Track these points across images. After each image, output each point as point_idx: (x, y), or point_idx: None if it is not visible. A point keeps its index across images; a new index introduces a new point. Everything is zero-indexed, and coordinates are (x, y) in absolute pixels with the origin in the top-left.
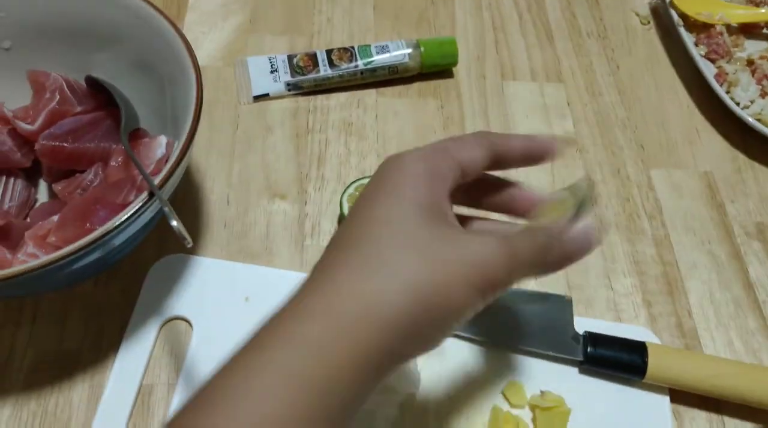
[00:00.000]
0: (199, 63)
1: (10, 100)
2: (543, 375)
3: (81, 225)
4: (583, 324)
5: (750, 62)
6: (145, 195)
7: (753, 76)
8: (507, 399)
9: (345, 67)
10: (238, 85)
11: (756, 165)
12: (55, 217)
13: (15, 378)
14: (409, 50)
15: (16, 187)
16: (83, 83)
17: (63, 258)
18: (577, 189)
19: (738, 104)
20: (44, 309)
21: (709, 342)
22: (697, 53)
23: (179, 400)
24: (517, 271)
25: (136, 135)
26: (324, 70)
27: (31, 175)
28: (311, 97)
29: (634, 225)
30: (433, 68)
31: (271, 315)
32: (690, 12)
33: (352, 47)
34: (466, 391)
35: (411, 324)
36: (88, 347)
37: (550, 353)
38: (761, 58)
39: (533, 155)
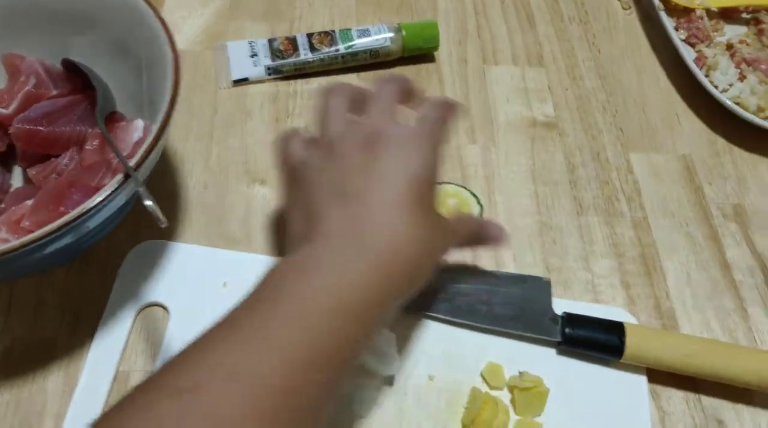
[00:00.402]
0: (179, 47)
1: None
2: (521, 357)
3: (55, 209)
4: (561, 305)
5: (729, 46)
6: (120, 177)
7: (732, 59)
8: (486, 380)
9: (326, 51)
10: (218, 69)
11: (734, 148)
12: (29, 202)
13: None
14: (391, 34)
15: None
16: (60, 66)
17: (35, 241)
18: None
19: (717, 88)
20: (18, 297)
21: (686, 322)
22: (677, 37)
23: None
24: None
25: (112, 118)
26: (304, 54)
27: (5, 160)
28: (291, 82)
29: (612, 208)
30: (415, 52)
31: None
32: None
33: (333, 31)
34: (444, 373)
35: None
36: (63, 334)
37: (529, 334)
38: (740, 42)
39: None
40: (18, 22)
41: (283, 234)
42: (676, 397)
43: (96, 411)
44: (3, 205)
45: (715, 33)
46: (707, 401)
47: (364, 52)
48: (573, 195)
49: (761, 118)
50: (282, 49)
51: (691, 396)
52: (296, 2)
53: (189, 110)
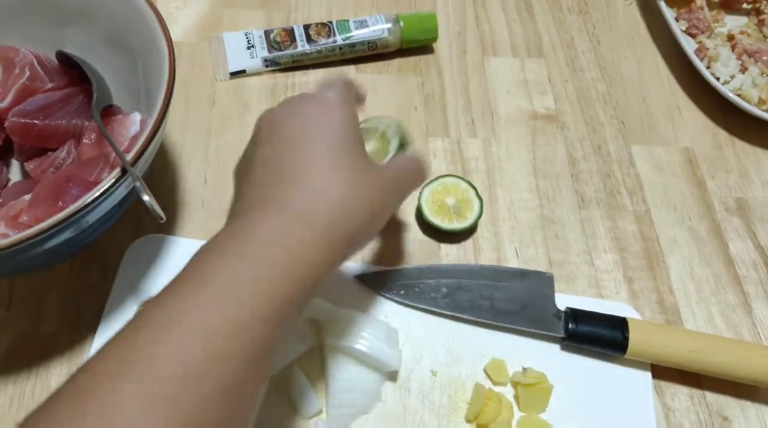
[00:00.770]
0: (174, 39)
1: None
2: (525, 352)
3: (53, 204)
4: (564, 300)
5: (730, 37)
6: (117, 171)
7: (733, 51)
8: (489, 376)
9: (323, 42)
10: (214, 61)
11: (736, 140)
12: (28, 197)
13: None
14: (389, 25)
15: None
16: (54, 59)
17: (34, 236)
18: (394, 126)
19: (718, 79)
20: (20, 293)
21: (690, 317)
22: (677, 28)
23: None
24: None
25: (109, 112)
26: (302, 46)
27: (3, 154)
28: (289, 74)
29: (614, 201)
30: (413, 44)
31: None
32: None
33: (331, 22)
34: (448, 369)
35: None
36: (65, 330)
37: (532, 330)
38: (741, 33)
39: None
40: (11, 14)
41: None
42: (680, 393)
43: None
44: (1, 200)
45: (716, 24)
46: (712, 397)
47: (362, 43)
48: (575, 188)
49: (763, 110)
50: (279, 40)
51: (696, 392)
52: None
53: (186, 103)
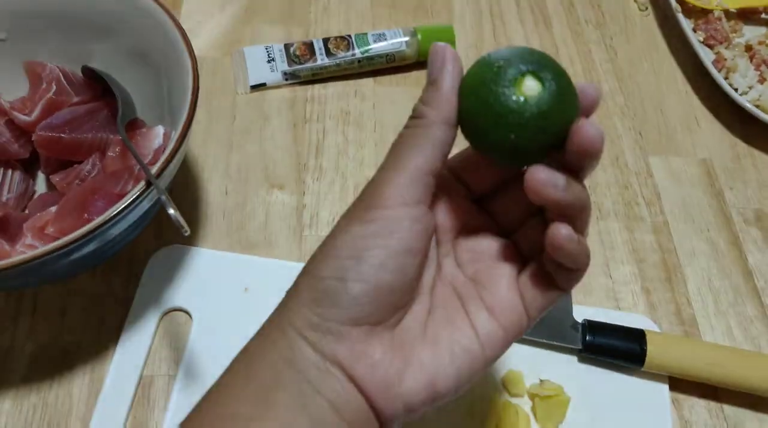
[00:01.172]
0: (196, 53)
1: (7, 91)
2: (542, 364)
3: (79, 216)
4: (581, 312)
5: (748, 48)
6: (142, 184)
7: (751, 61)
8: (506, 388)
9: (342, 55)
10: (235, 74)
11: (755, 151)
12: (53, 208)
13: (15, 371)
14: (407, 38)
15: (14, 178)
16: (80, 74)
17: (61, 248)
18: None
19: (736, 90)
20: (44, 302)
21: (708, 329)
22: (695, 39)
23: (179, 391)
24: None
25: (133, 125)
26: (321, 59)
27: (29, 166)
28: (308, 87)
29: (632, 212)
30: None
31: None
32: None
33: (349, 36)
34: None
35: None
36: (87, 339)
37: (549, 341)
38: (760, 43)
39: None
40: (39, 31)
41: (299, 239)
42: (698, 406)
43: (121, 414)
44: (27, 211)
45: (734, 34)
46: (730, 410)
47: (380, 56)
48: (592, 200)
49: None
50: (299, 54)
51: (714, 405)
52: (311, 5)
53: (208, 116)
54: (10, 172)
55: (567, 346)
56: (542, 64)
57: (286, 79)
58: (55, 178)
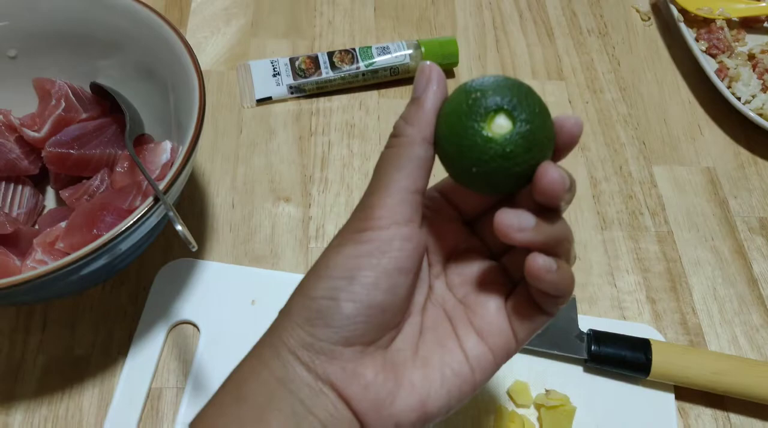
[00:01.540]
0: (203, 67)
1: (17, 108)
2: (548, 374)
3: (88, 231)
4: (587, 322)
5: (751, 56)
6: (150, 200)
7: (754, 70)
8: (512, 398)
9: (346, 68)
10: (241, 88)
11: (759, 160)
12: (63, 224)
13: (27, 384)
14: (410, 51)
15: (24, 194)
16: (88, 90)
17: (71, 264)
18: None
19: (739, 99)
20: (54, 316)
21: (714, 338)
22: (697, 49)
23: (188, 403)
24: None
25: (141, 140)
26: (326, 73)
27: (38, 182)
28: (313, 100)
29: (636, 222)
30: None
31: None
32: (690, 7)
33: (353, 49)
34: None
35: None
36: (97, 352)
37: (555, 352)
38: (762, 52)
39: None
40: (48, 48)
41: (306, 252)
42: (704, 415)
43: (131, 426)
44: (37, 226)
45: (737, 43)
46: (736, 419)
47: (384, 69)
48: (596, 210)
49: None
50: (304, 67)
51: (720, 414)
52: (316, 19)
53: (215, 130)
54: (20, 187)
55: (572, 356)
56: (520, 101)
57: (292, 93)
58: (65, 194)
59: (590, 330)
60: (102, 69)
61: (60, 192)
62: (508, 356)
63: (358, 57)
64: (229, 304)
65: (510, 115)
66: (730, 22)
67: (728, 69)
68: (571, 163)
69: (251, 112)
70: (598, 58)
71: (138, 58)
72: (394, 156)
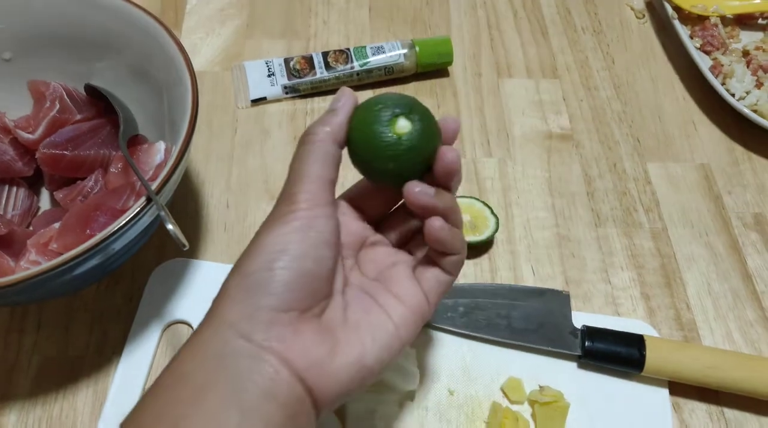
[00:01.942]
0: (198, 68)
1: (12, 110)
2: (542, 371)
3: (81, 232)
4: (581, 318)
5: (745, 53)
6: (143, 200)
7: (748, 67)
8: (506, 394)
9: (341, 68)
10: (236, 89)
11: (753, 156)
12: (57, 225)
13: (21, 385)
14: (405, 50)
15: (18, 195)
16: (83, 91)
17: (63, 264)
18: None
19: (734, 95)
20: (48, 316)
21: (708, 334)
22: (692, 46)
23: None
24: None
25: (135, 141)
26: (320, 73)
27: (33, 183)
28: (308, 100)
29: (631, 218)
30: (429, 68)
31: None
32: (684, 5)
33: (348, 49)
34: (465, 388)
35: None
36: (91, 352)
37: (549, 348)
38: (756, 48)
39: None
40: (42, 50)
41: None
42: (698, 410)
43: None
44: (32, 228)
45: (731, 40)
46: (730, 413)
47: (379, 69)
48: (591, 206)
49: None
50: (298, 68)
51: (714, 408)
52: (311, 19)
53: (209, 130)
54: (14, 189)
55: (566, 352)
56: (411, 108)
57: (286, 93)
58: (59, 195)
59: (584, 326)
60: (96, 70)
61: (54, 193)
62: (425, 315)
63: (353, 57)
64: None
65: (407, 117)
66: (724, 19)
67: (722, 66)
68: (566, 160)
69: (246, 112)
70: (593, 55)
71: (132, 60)
72: (312, 151)
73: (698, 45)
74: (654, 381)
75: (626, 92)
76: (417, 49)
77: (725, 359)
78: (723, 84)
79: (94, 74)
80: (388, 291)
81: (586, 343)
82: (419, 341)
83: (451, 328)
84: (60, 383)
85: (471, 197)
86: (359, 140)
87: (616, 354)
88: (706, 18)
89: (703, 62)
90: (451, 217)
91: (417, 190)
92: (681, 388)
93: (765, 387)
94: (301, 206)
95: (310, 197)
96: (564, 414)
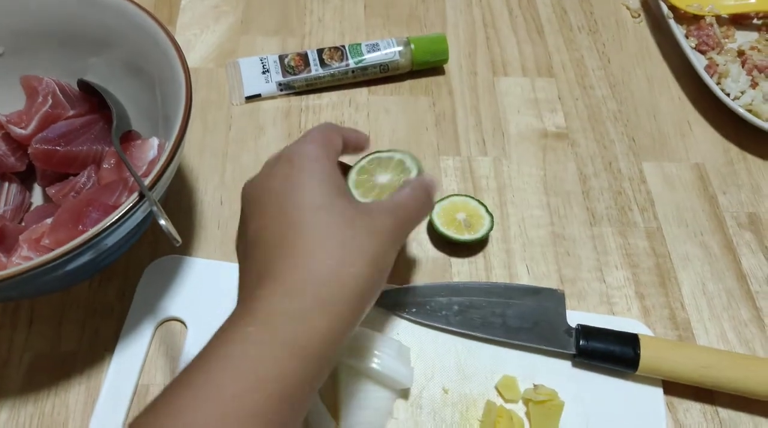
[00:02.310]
0: (192, 65)
1: (4, 105)
2: (536, 369)
3: (74, 227)
4: (575, 317)
5: (740, 53)
6: (135, 196)
7: (743, 66)
8: (500, 393)
9: (336, 66)
10: (231, 86)
11: (748, 156)
12: (49, 220)
13: (12, 381)
14: (400, 48)
15: (10, 191)
16: (76, 87)
17: (55, 259)
18: (411, 156)
19: (729, 95)
20: (41, 312)
21: (702, 333)
22: (687, 45)
23: None
24: (408, 229)
25: (128, 137)
26: (315, 70)
27: (25, 179)
28: (303, 97)
29: (626, 218)
30: (424, 65)
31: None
32: (680, 4)
33: (343, 46)
34: (459, 386)
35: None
36: (84, 349)
37: (543, 347)
38: (752, 48)
39: (358, 145)
40: (36, 45)
41: None
42: (693, 409)
43: (117, 423)
44: (24, 223)
45: (726, 40)
46: (725, 413)
47: (374, 66)
48: (586, 205)
49: None
50: (293, 65)
51: (709, 408)
52: (306, 17)
53: (204, 127)
54: (6, 184)
55: (561, 351)
56: None
57: (281, 90)
58: (51, 191)
59: (579, 325)
60: (90, 66)
61: (47, 189)
62: None
63: (348, 54)
64: (217, 301)
65: None
66: (719, 19)
67: (718, 65)
68: (561, 159)
69: (240, 109)
70: (588, 54)
71: (126, 56)
72: None
73: (693, 44)
74: (648, 380)
75: (621, 91)
76: (412, 46)
77: (720, 358)
78: (718, 84)
79: (87, 70)
80: None
81: (581, 342)
82: (414, 339)
83: (445, 327)
84: (52, 380)
85: (466, 195)
86: None
87: (610, 353)
88: (702, 17)
89: (699, 62)
90: None
91: None
92: (675, 388)
93: (759, 386)
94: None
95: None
96: (558, 413)
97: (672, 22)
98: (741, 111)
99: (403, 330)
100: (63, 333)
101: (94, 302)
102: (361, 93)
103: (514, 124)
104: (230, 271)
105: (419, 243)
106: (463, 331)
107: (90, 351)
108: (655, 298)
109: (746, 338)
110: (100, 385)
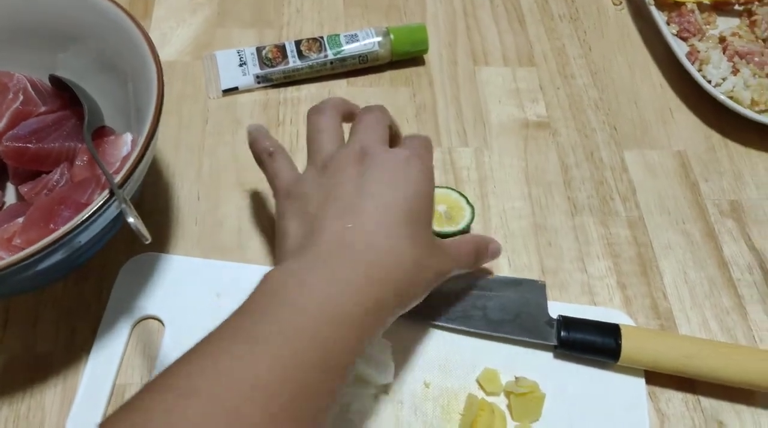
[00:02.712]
0: (168, 58)
1: None
2: (518, 362)
3: (45, 226)
4: (557, 308)
5: (722, 39)
6: (106, 193)
7: (724, 53)
8: (482, 386)
9: (314, 57)
10: (207, 79)
11: (729, 143)
12: (21, 219)
13: None
14: (379, 38)
15: None
16: (47, 83)
17: (26, 258)
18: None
19: (710, 82)
20: (15, 313)
21: (684, 322)
22: (668, 32)
23: None
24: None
25: (101, 133)
26: (293, 62)
27: None
28: (281, 89)
29: (607, 207)
30: (404, 56)
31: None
32: None
33: (322, 37)
34: (440, 380)
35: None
36: (60, 349)
37: (524, 338)
38: (733, 34)
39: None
40: (5, 40)
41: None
42: (675, 399)
43: (95, 424)
44: None
45: (708, 26)
46: (707, 402)
47: (353, 57)
48: (567, 195)
49: (755, 112)
50: (270, 57)
51: (690, 397)
52: (284, 8)
53: (179, 121)
54: None
55: (542, 343)
56: None
57: (259, 83)
58: (24, 189)
59: (560, 316)
60: (61, 61)
61: (19, 187)
62: None
63: (326, 45)
64: (194, 298)
65: None
66: (701, 5)
67: (699, 52)
68: (543, 149)
69: (217, 102)
70: (569, 43)
71: (98, 51)
72: None
73: (675, 31)
74: (630, 370)
75: (603, 79)
76: (392, 36)
77: (701, 347)
78: (699, 70)
79: (59, 65)
80: None
81: (562, 333)
82: (394, 334)
83: (426, 320)
84: (27, 381)
85: (447, 187)
86: None
87: (591, 343)
88: (683, 4)
89: (680, 48)
90: None
91: None
92: (657, 377)
93: (741, 375)
94: None
95: None
96: (540, 404)
97: (653, 9)
98: (722, 97)
99: None
100: (38, 333)
101: (70, 301)
102: (340, 85)
103: (495, 115)
104: (207, 268)
105: None
106: (444, 324)
107: (66, 351)
108: (637, 288)
109: (728, 326)
110: (76, 386)
